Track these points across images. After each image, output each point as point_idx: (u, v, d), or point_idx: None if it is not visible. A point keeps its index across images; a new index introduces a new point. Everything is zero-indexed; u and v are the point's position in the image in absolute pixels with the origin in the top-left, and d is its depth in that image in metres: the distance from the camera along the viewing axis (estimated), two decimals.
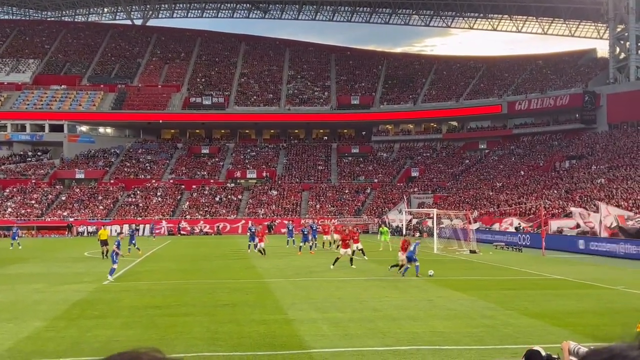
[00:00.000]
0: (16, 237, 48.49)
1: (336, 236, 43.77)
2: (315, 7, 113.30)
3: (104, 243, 35.86)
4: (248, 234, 43.66)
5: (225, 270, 29.08)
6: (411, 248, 25.84)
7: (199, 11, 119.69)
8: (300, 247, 40.74)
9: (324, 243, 44.81)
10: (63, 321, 16.15)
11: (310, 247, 41.73)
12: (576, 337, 12.57)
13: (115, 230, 68.63)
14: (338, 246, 39.50)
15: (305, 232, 42.77)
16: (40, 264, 33.56)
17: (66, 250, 42.85)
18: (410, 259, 25.62)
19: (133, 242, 40.51)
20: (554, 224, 46.59)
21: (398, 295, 20.61)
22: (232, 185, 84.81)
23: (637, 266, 30.48)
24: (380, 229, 48.33)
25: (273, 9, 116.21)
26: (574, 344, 6.89)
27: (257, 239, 38.16)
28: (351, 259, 29.80)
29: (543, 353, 6.78)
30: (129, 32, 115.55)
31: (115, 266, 25.28)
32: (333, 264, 29.21)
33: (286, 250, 43.43)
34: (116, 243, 27.07)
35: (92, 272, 28.45)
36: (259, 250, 37.07)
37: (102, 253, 35.51)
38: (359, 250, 33.02)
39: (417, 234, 62.09)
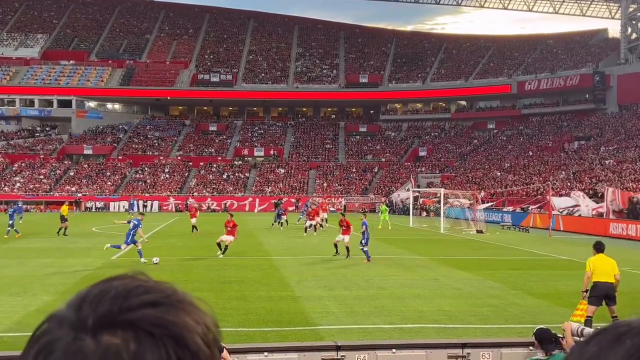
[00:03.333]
0: (21, 212, 49.10)
1: (324, 214, 43.68)
2: None
3: (63, 219, 35.86)
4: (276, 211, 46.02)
5: (233, 247, 29.19)
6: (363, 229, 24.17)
7: None
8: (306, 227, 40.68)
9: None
10: (71, 295, 16.26)
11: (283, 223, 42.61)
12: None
13: (124, 207, 68.88)
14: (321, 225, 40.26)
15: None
16: (49, 238, 33.79)
17: (74, 225, 43.07)
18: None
19: (12, 222, 35.23)
20: (556, 201, 46.19)
21: (404, 273, 20.69)
22: (240, 162, 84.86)
23: None
24: (380, 207, 48.41)
25: None
26: (576, 325, 6.92)
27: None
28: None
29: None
30: (137, 8, 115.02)
31: (139, 247, 23.21)
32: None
33: (294, 227, 43.60)
34: (135, 222, 23.50)
35: (100, 247, 28.55)
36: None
37: (60, 229, 35.38)
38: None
39: (425, 214, 62.25)
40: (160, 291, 0.90)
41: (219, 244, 25.27)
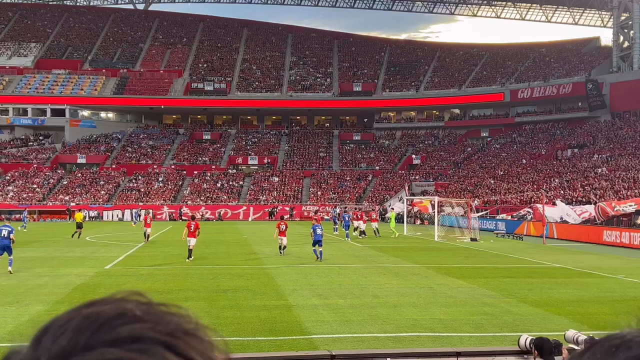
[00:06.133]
0: (25, 220, 50.33)
1: (357, 223, 43.44)
2: None
3: (79, 226, 40.20)
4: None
5: (227, 256, 29.16)
6: (319, 232, 26.91)
7: None
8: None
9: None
10: (64, 305, 16.19)
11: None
12: (575, 325, 12.63)
13: (117, 216, 68.63)
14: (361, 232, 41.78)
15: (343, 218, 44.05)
16: (42, 248, 33.63)
17: (67, 234, 42.91)
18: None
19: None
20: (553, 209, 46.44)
21: (398, 282, 20.66)
22: (234, 171, 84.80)
23: (637, 255, 30.54)
24: (389, 215, 49.42)
25: None
26: (573, 333, 6.89)
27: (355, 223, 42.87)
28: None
29: (551, 340, 6.81)
30: (131, 17, 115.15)
31: (11, 257, 22.48)
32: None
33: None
34: (8, 229, 22.62)
35: (93, 257, 28.52)
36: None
37: (76, 234, 39.50)
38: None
39: (419, 222, 62.26)
40: (141, 324, 0.77)
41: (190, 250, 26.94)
